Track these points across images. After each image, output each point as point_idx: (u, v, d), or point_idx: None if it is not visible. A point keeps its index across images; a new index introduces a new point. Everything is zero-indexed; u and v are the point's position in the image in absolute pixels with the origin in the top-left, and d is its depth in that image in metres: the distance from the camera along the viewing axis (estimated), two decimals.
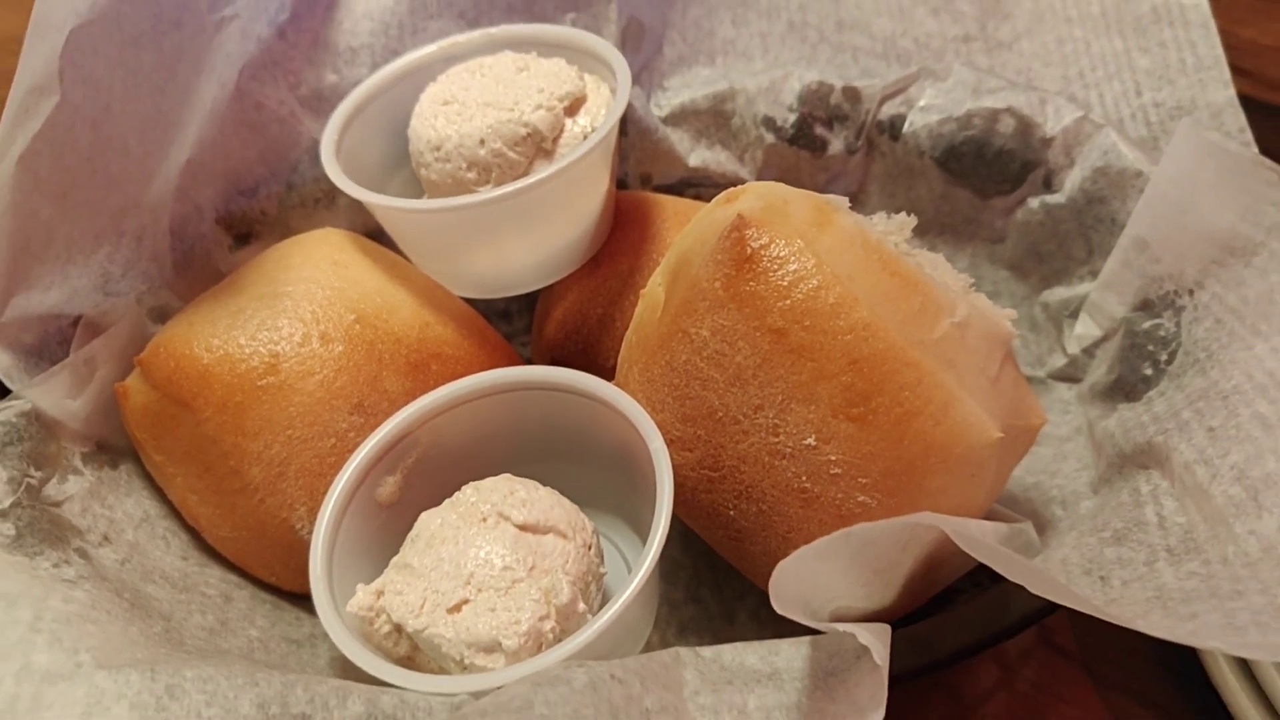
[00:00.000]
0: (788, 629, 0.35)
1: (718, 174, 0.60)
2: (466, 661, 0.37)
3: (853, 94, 0.56)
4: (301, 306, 0.46)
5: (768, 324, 0.37)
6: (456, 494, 0.42)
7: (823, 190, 0.42)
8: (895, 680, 0.33)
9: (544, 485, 0.43)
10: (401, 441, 0.45)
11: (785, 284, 0.37)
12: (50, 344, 0.46)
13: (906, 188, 0.56)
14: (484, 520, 0.40)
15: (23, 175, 0.42)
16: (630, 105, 0.56)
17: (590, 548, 0.41)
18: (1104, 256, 0.49)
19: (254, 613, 0.45)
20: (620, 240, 0.53)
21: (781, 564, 0.32)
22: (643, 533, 0.41)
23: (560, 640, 0.37)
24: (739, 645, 0.36)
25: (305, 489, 0.44)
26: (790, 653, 0.35)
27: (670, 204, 0.55)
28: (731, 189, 0.42)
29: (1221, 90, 0.51)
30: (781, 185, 0.42)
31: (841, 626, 0.33)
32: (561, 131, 0.49)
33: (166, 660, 0.34)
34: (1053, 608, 0.36)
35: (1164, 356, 0.44)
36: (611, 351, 0.49)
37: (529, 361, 0.55)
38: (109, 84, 0.45)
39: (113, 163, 0.46)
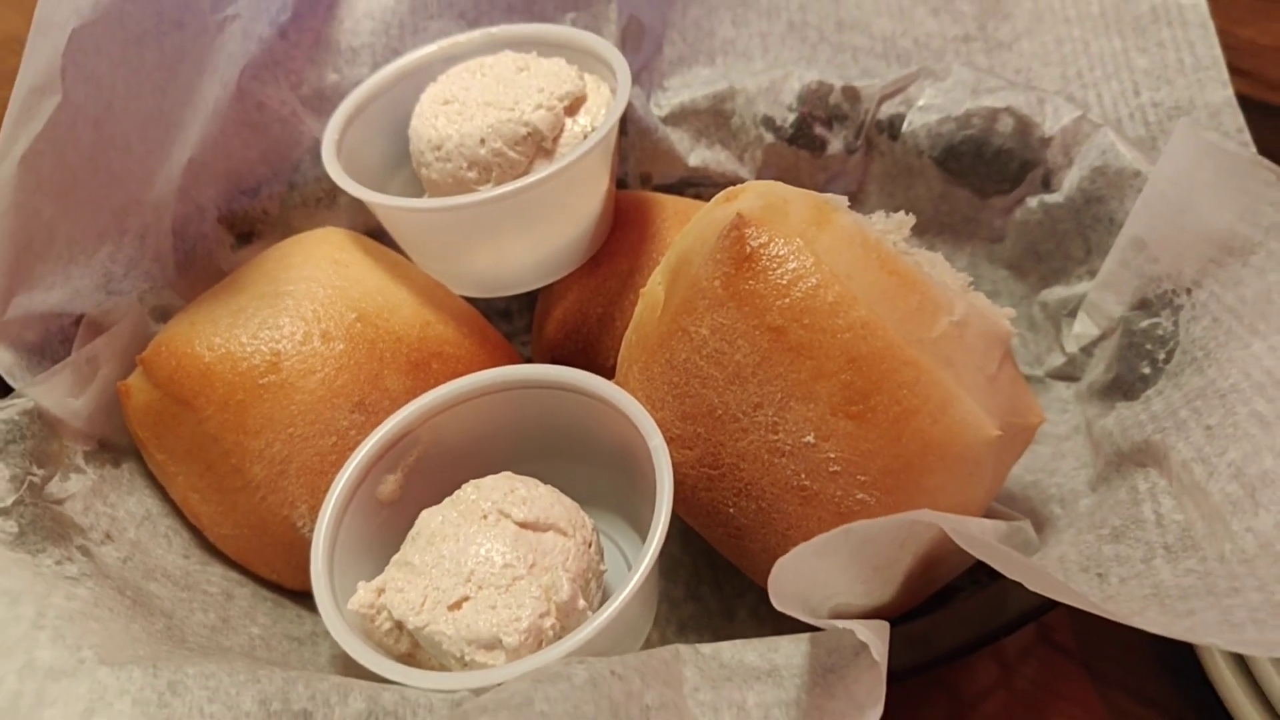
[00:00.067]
0: (787, 626, 0.35)
1: (717, 173, 0.60)
2: (467, 658, 0.37)
3: (852, 94, 0.56)
4: (303, 305, 0.46)
5: (767, 322, 0.38)
6: (457, 492, 0.42)
7: (822, 190, 0.42)
8: (894, 677, 0.33)
9: (544, 483, 0.43)
10: (402, 440, 0.45)
11: (784, 282, 0.37)
12: (52, 343, 0.46)
13: (905, 187, 0.56)
14: (484, 518, 0.40)
15: (25, 174, 0.42)
16: (630, 105, 0.56)
17: (590, 545, 0.41)
18: (1102, 256, 0.49)
19: (255, 610, 0.45)
20: (620, 240, 0.53)
21: (780, 561, 0.32)
22: (642, 530, 0.42)
23: (560, 637, 0.37)
24: (738, 642, 0.36)
25: (306, 487, 0.45)
26: (789, 649, 0.35)
27: (670, 203, 0.55)
28: (731, 188, 0.42)
29: (1220, 90, 0.51)
30: (781, 184, 0.42)
31: (840, 623, 0.33)
32: (562, 131, 0.49)
33: (169, 657, 0.34)
34: (1051, 605, 0.36)
35: (1162, 355, 0.45)
36: (611, 350, 0.49)
37: (529, 360, 0.55)
38: (111, 83, 0.45)
39: (115, 162, 0.46)
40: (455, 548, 0.39)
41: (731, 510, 0.41)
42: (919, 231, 0.55)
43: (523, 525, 0.40)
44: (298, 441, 0.44)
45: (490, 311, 0.57)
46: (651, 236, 0.52)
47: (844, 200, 0.41)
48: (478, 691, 0.34)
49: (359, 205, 0.55)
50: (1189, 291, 0.44)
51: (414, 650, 0.39)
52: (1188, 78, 0.52)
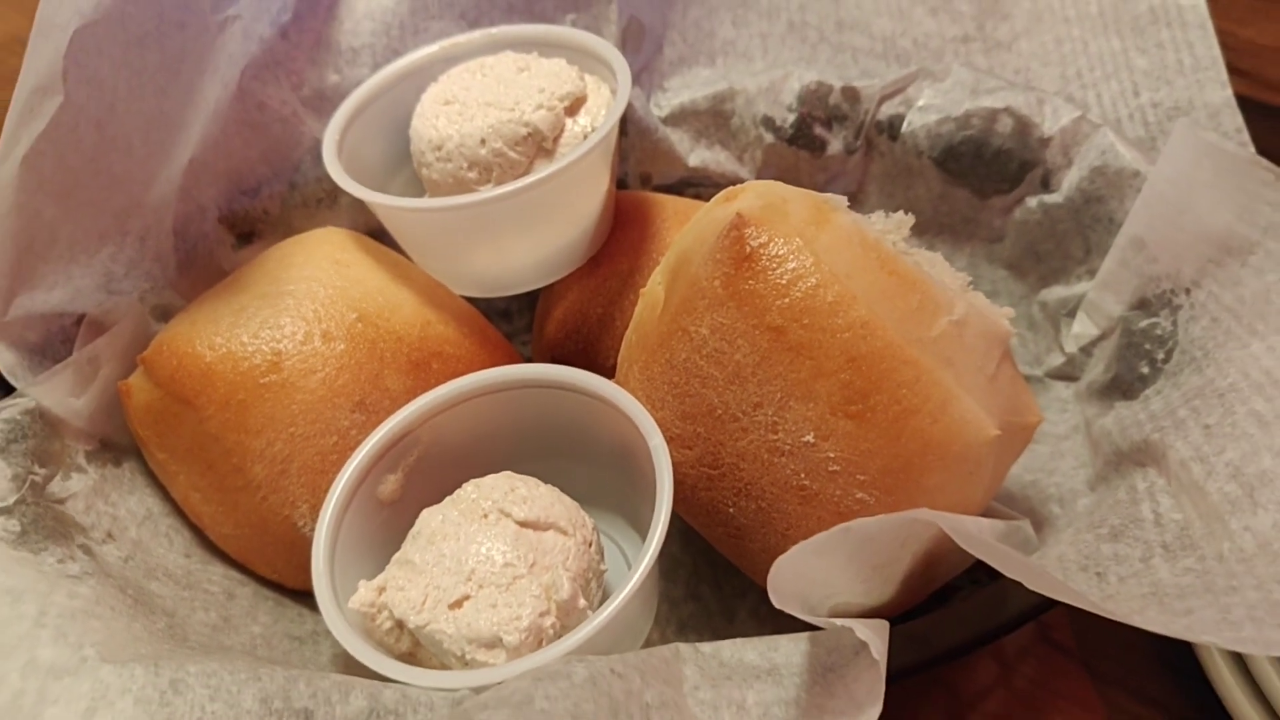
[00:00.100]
0: (787, 626, 0.35)
1: (717, 174, 0.60)
2: (468, 657, 0.37)
3: (852, 94, 0.56)
4: (304, 305, 0.47)
5: (767, 322, 0.38)
6: (457, 491, 0.43)
7: (822, 190, 0.42)
8: (893, 676, 0.33)
9: (544, 482, 0.43)
10: (403, 439, 0.45)
11: (784, 282, 0.38)
12: (54, 342, 0.47)
13: (905, 187, 0.56)
14: (485, 517, 0.40)
15: (27, 175, 0.43)
16: (630, 105, 0.57)
17: (590, 544, 0.41)
18: (1101, 256, 0.49)
19: (256, 609, 0.45)
20: (620, 240, 0.53)
21: (780, 560, 0.32)
22: (642, 530, 0.42)
23: (560, 636, 0.38)
24: (738, 641, 0.36)
25: (307, 486, 0.45)
26: (789, 648, 0.35)
27: (670, 203, 0.55)
28: (731, 188, 0.42)
29: (1219, 90, 0.51)
30: (780, 184, 0.42)
31: (840, 622, 0.33)
32: (562, 131, 0.49)
33: (170, 656, 0.34)
34: (1050, 604, 0.37)
35: (1161, 355, 0.45)
36: (612, 350, 0.50)
37: (529, 360, 0.56)
38: (113, 84, 0.45)
39: (116, 163, 0.47)
40: (456, 547, 0.39)
41: (731, 510, 0.41)
42: (919, 231, 0.56)
43: (523, 524, 0.40)
44: (299, 441, 0.45)
45: (491, 311, 0.57)
46: (651, 236, 0.53)
47: (843, 200, 0.41)
48: (478, 690, 0.34)
49: (360, 205, 0.55)
50: (1188, 291, 0.45)
51: (415, 649, 0.39)
52: (1187, 78, 0.52)
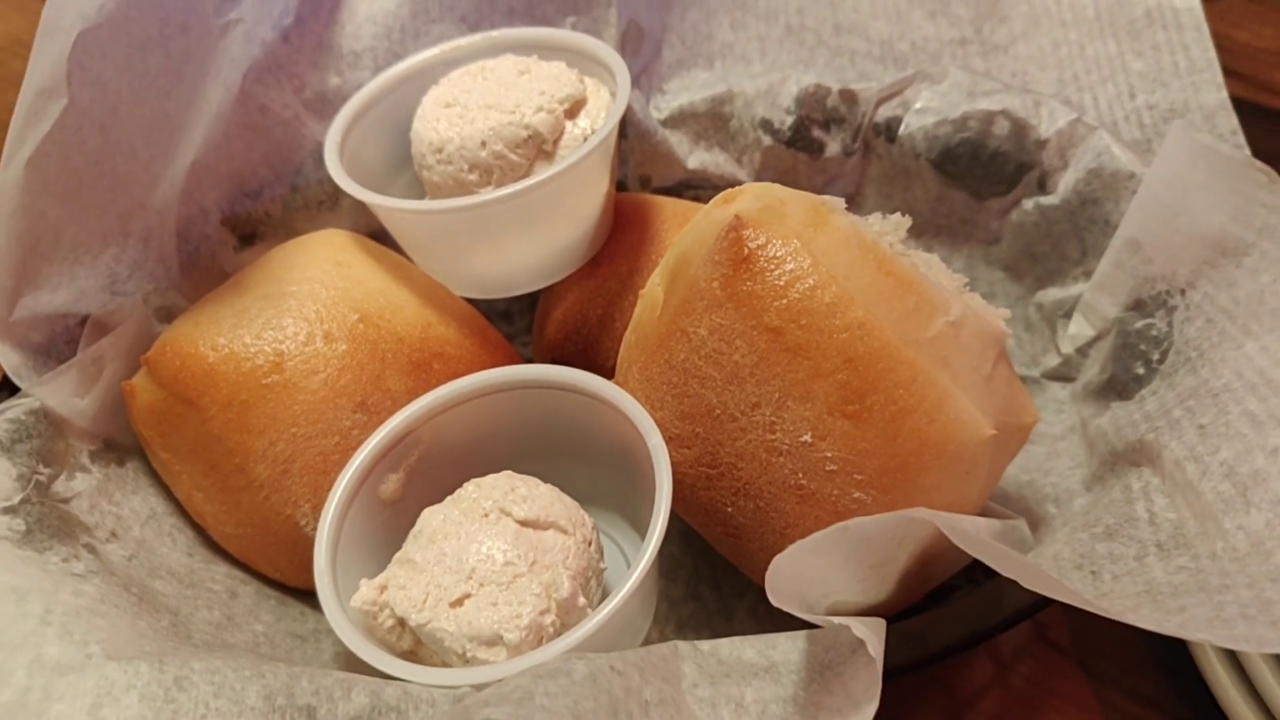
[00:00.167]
0: (785, 625, 0.35)
1: (716, 176, 0.61)
2: (468, 655, 0.37)
3: (849, 97, 0.56)
4: (306, 306, 0.47)
5: (765, 323, 0.38)
6: (458, 490, 0.43)
7: (820, 192, 0.43)
8: (890, 675, 0.33)
9: (544, 482, 0.43)
10: (404, 439, 0.45)
11: (782, 283, 0.38)
12: (58, 343, 0.47)
13: (903, 189, 0.56)
14: (485, 516, 0.41)
15: (31, 177, 0.43)
16: (630, 108, 0.57)
17: (590, 543, 0.42)
18: (1097, 257, 0.49)
19: (259, 608, 0.46)
20: (620, 241, 0.53)
21: (778, 558, 0.32)
22: (642, 529, 0.42)
23: (560, 634, 0.38)
24: (737, 639, 0.36)
25: (309, 486, 0.45)
26: (787, 646, 0.35)
27: (669, 205, 0.55)
28: (729, 190, 0.43)
29: (1214, 93, 0.52)
30: (778, 186, 0.42)
31: (837, 620, 0.33)
32: (562, 134, 0.50)
33: (175, 653, 0.34)
34: (1045, 602, 0.37)
35: (1156, 356, 0.45)
36: (611, 351, 0.50)
37: (530, 361, 0.56)
38: (116, 87, 0.45)
39: (120, 165, 0.47)
40: (457, 546, 0.40)
41: (730, 509, 0.41)
42: (916, 233, 0.56)
43: (523, 523, 0.40)
44: (301, 441, 0.45)
45: (491, 313, 0.57)
46: (651, 238, 0.53)
47: (841, 202, 0.41)
48: (479, 687, 0.34)
49: (361, 207, 0.55)
50: (1183, 292, 0.45)
51: (416, 647, 0.40)
52: (1183, 80, 0.53)
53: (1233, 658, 0.44)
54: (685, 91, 0.60)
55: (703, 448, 0.41)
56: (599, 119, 0.50)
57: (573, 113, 0.50)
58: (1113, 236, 0.48)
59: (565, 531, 0.41)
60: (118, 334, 0.48)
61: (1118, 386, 0.46)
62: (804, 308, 0.37)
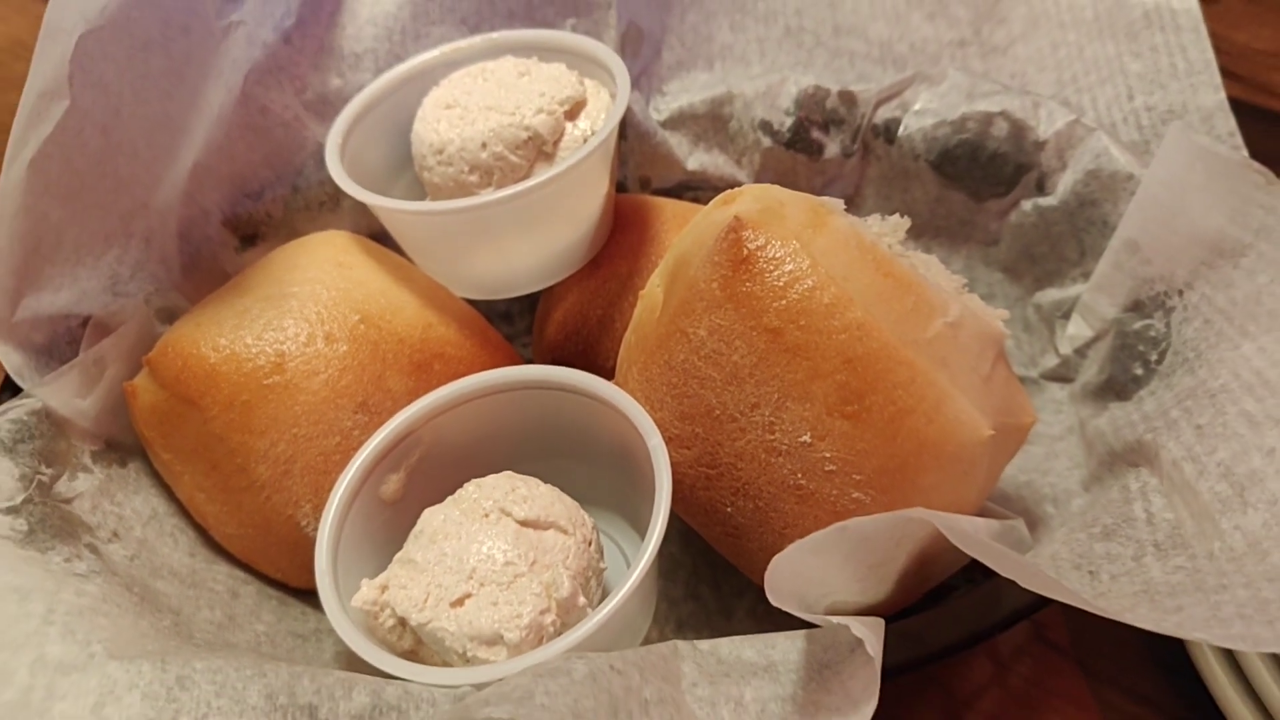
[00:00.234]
0: (784, 625, 0.36)
1: (715, 177, 0.61)
2: (469, 654, 0.37)
3: (848, 98, 0.56)
4: (307, 307, 0.47)
5: (764, 323, 0.38)
6: (459, 491, 0.43)
7: (819, 193, 0.43)
8: (889, 674, 0.33)
9: (545, 482, 0.43)
10: (405, 440, 0.45)
11: (781, 284, 0.38)
12: (60, 344, 0.47)
13: (902, 190, 0.57)
14: (486, 516, 0.41)
15: (34, 178, 0.43)
16: (629, 109, 0.57)
17: (590, 543, 0.42)
18: (1096, 258, 0.49)
19: (260, 608, 0.46)
20: (620, 242, 0.54)
21: (777, 558, 0.32)
22: (642, 529, 0.42)
23: (561, 634, 0.38)
24: (736, 639, 0.36)
25: (310, 486, 0.45)
26: (786, 646, 0.36)
27: (669, 207, 0.55)
28: (728, 191, 0.43)
29: (1212, 94, 0.52)
30: (778, 188, 0.42)
31: (836, 619, 0.33)
32: (562, 135, 0.50)
33: (177, 652, 0.34)
34: (1044, 602, 0.37)
35: (1154, 356, 0.45)
36: (611, 352, 0.50)
37: (530, 362, 0.56)
38: (118, 89, 0.46)
39: (122, 166, 0.47)
40: (457, 545, 0.40)
41: (729, 509, 0.41)
42: (915, 234, 0.56)
43: (524, 523, 0.40)
44: (302, 441, 0.45)
45: (491, 314, 0.57)
46: (650, 239, 0.53)
47: (840, 203, 0.41)
48: (479, 686, 0.34)
49: (362, 208, 0.56)
50: (1181, 293, 0.45)
51: (417, 647, 0.40)
52: (1180, 82, 0.53)
53: (1230, 657, 0.44)
54: (685, 93, 0.60)
55: (702, 448, 0.41)
56: (599, 120, 0.50)
57: (573, 114, 0.50)
58: (1111, 238, 0.48)
59: (565, 531, 0.41)
60: (119, 335, 0.48)
61: (1116, 387, 0.46)
62: (803, 308, 0.38)
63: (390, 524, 0.45)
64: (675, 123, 0.60)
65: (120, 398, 0.47)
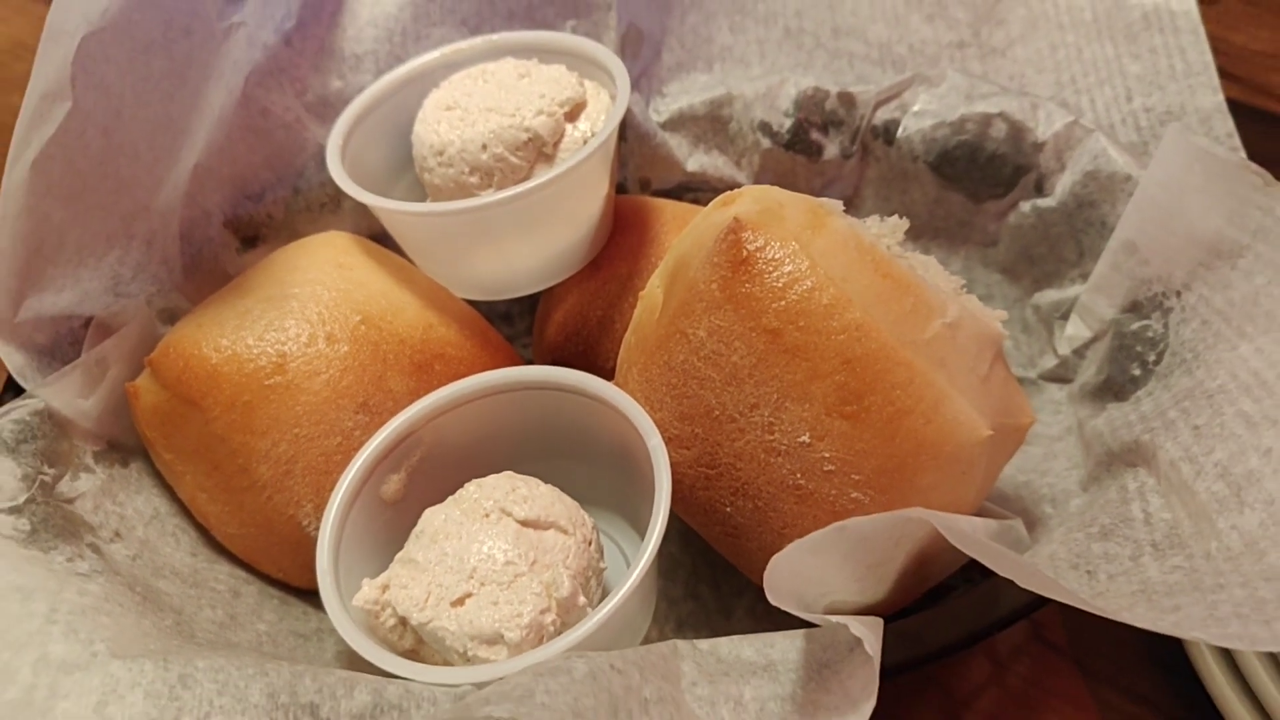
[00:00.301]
0: (783, 624, 0.36)
1: (715, 178, 0.61)
2: (470, 653, 0.38)
3: (848, 99, 0.56)
4: (308, 308, 0.47)
5: (763, 324, 0.38)
6: (460, 491, 0.43)
7: (818, 194, 0.43)
8: (887, 674, 0.33)
9: (545, 482, 0.44)
10: (406, 440, 0.45)
11: (780, 285, 0.38)
12: (62, 344, 0.47)
13: (901, 192, 0.57)
14: (486, 516, 0.41)
15: (36, 179, 0.43)
16: (629, 111, 0.57)
17: (590, 543, 0.42)
18: (1094, 259, 0.50)
19: (262, 607, 0.46)
20: (619, 244, 0.54)
21: (776, 557, 0.32)
22: (641, 529, 0.42)
23: (561, 633, 0.38)
24: (735, 638, 0.36)
25: (312, 486, 0.45)
26: (785, 645, 0.36)
27: (668, 208, 0.55)
28: (728, 193, 0.43)
29: (1210, 96, 0.52)
30: (777, 189, 0.42)
31: (835, 619, 0.34)
32: (562, 136, 0.50)
33: (179, 651, 0.34)
34: (1042, 602, 0.37)
35: (1152, 357, 0.45)
36: (611, 353, 0.50)
37: (530, 362, 0.56)
38: (120, 90, 0.46)
39: (123, 167, 0.47)
40: (458, 545, 0.40)
41: (729, 509, 0.41)
42: (914, 235, 0.56)
43: (524, 523, 0.41)
44: (303, 442, 0.45)
45: (492, 314, 0.58)
46: (650, 240, 0.53)
47: (839, 204, 0.41)
48: (480, 685, 0.35)
49: (363, 209, 0.56)
50: (1179, 294, 0.45)
51: (418, 646, 0.40)
52: (1179, 83, 0.53)
53: (1227, 656, 0.44)
54: (684, 94, 0.60)
55: (702, 448, 0.41)
56: (599, 122, 0.50)
57: (573, 116, 0.51)
58: (1109, 239, 0.48)
59: (565, 531, 0.41)
60: (121, 335, 0.48)
61: (1114, 388, 0.46)
62: (802, 309, 0.38)
63: (391, 524, 0.45)
64: (675, 124, 0.60)
65: (122, 398, 0.47)
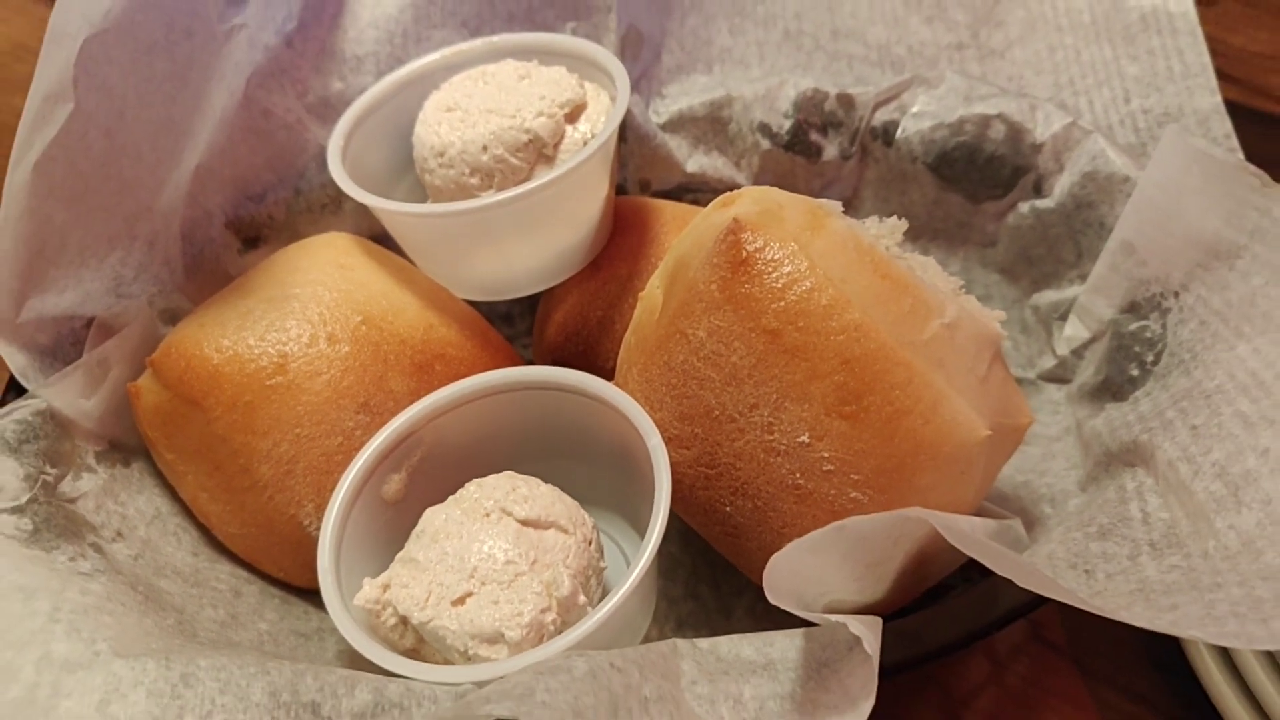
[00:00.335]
0: (783, 623, 0.36)
1: (715, 179, 0.61)
2: (470, 652, 0.38)
3: (847, 101, 0.57)
4: (309, 308, 0.47)
5: (762, 325, 0.38)
6: (460, 490, 0.43)
7: (818, 195, 0.43)
8: (886, 673, 0.33)
9: (545, 482, 0.44)
10: (406, 440, 0.46)
11: (779, 286, 0.38)
12: (64, 345, 0.47)
13: (900, 193, 0.57)
14: (487, 516, 0.41)
15: (38, 180, 0.43)
16: (629, 112, 0.57)
17: (590, 543, 0.42)
18: (1092, 260, 0.50)
19: (263, 607, 0.46)
20: (619, 244, 0.54)
21: (775, 557, 0.32)
22: (641, 529, 0.42)
23: (561, 632, 0.38)
24: (735, 637, 0.37)
25: (313, 486, 0.46)
26: (784, 644, 0.36)
27: (668, 209, 0.56)
28: (727, 194, 0.43)
29: (1208, 97, 0.52)
30: (776, 190, 0.42)
31: (834, 618, 0.34)
32: (562, 138, 0.50)
33: (181, 650, 0.35)
34: (1040, 601, 0.37)
35: (1150, 357, 0.45)
36: (611, 353, 0.50)
37: (530, 363, 0.56)
38: (122, 92, 0.46)
39: (125, 168, 0.47)
40: (459, 545, 0.40)
41: (728, 509, 0.42)
42: (913, 236, 0.56)
43: (524, 523, 0.41)
44: (304, 442, 0.45)
45: (492, 315, 0.58)
46: (650, 241, 0.53)
47: (838, 205, 0.41)
48: (481, 684, 0.35)
49: (364, 210, 0.56)
50: (1177, 295, 0.45)
51: (419, 645, 0.40)
52: (1177, 85, 0.53)
53: (1225, 655, 0.44)
54: (684, 96, 0.60)
55: (701, 448, 0.41)
56: (599, 123, 0.51)
57: (573, 117, 0.51)
58: (1108, 239, 0.49)
59: (566, 531, 0.41)
60: (123, 336, 0.48)
61: (1112, 388, 0.47)
62: (801, 310, 0.38)
63: (392, 524, 0.45)
64: (675, 125, 0.61)
65: (124, 398, 0.48)
